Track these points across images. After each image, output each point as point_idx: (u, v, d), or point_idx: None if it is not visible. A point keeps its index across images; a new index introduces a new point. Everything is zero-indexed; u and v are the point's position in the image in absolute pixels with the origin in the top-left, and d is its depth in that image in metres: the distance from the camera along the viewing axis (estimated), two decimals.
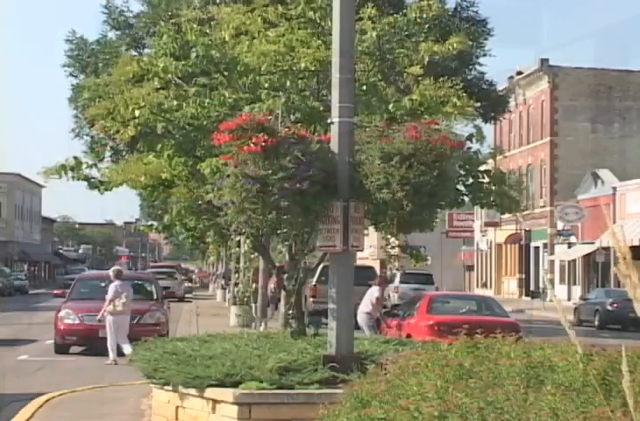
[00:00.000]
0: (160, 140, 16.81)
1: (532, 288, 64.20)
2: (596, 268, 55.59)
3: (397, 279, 44.04)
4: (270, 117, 11.59)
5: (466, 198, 20.67)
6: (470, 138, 19.29)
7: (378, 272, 42.13)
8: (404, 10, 18.21)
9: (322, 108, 15.25)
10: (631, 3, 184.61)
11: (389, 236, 17.56)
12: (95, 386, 16.29)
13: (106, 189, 19.61)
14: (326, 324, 11.74)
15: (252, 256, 30.48)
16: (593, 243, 53.74)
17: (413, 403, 5.74)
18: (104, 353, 21.37)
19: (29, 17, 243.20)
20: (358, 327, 18.21)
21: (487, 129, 48.81)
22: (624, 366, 3.50)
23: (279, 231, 12.43)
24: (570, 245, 57.85)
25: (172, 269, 66.63)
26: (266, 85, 15.98)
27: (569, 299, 56.26)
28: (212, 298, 59.83)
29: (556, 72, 61.47)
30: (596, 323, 38.06)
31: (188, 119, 15.97)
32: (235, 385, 10.59)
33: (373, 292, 22.21)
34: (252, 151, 10.80)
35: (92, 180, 19.57)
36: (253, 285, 32.73)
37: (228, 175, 11.14)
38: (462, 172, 18.02)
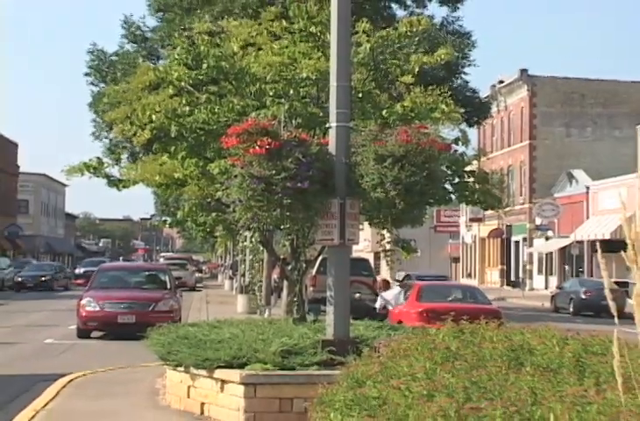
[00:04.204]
0: (173, 143, 16.82)
1: (512, 278, 64.30)
2: (571, 260, 55.65)
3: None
4: (274, 122, 11.59)
5: (453, 196, 20.68)
6: (456, 141, 19.28)
7: (372, 264, 42.10)
8: (396, 25, 18.20)
9: (321, 114, 15.24)
10: (606, 18, 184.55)
11: (384, 231, 17.54)
12: (114, 367, 16.31)
13: (124, 187, 19.60)
14: (324, 311, 11.75)
15: (261, 249, 30.44)
16: (568, 237, 53.85)
17: (404, 383, 5.75)
18: (123, 337, 21.40)
19: (57, 30, 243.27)
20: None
21: (472, 133, 48.86)
22: (615, 347, 3.50)
23: (282, 227, 12.46)
24: (547, 238, 57.93)
25: (184, 261, 66.75)
26: (271, 93, 15.99)
27: (546, 288, 56.33)
28: (221, 287, 59.81)
29: (534, 81, 61.59)
30: (571, 310, 38.12)
31: (200, 124, 15.97)
32: (241, 367, 10.61)
33: (400, 296, 22.62)
34: (257, 153, 10.81)
35: (111, 178, 19.57)
36: (257, 275, 32.74)
37: (235, 176, 11.15)
38: (449, 172, 18.02)
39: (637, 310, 3.38)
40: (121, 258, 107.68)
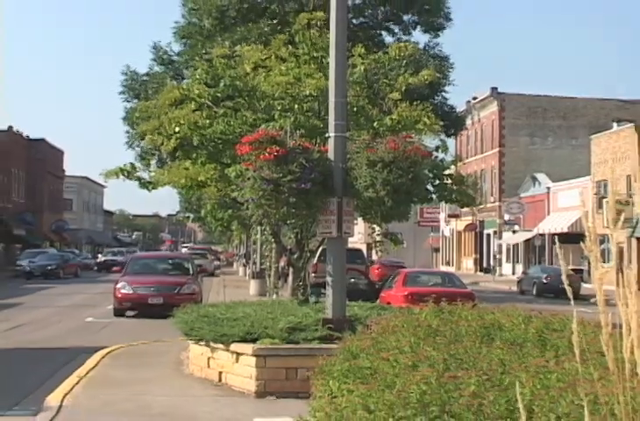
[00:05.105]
0: (195, 151, 16.77)
1: (485, 265, 64.28)
2: (534, 250, 55.66)
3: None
4: (281, 133, 11.58)
5: (434, 195, 20.66)
6: (437, 149, 19.27)
7: (365, 253, 42.13)
8: (386, 49, 18.16)
9: (321, 125, 15.19)
10: (566, 42, 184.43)
11: (374, 225, 17.56)
12: (145, 341, 16.31)
13: (153, 188, 19.54)
14: (325, 293, 11.74)
15: (270, 241, 30.36)
16: (531, 230, 53.84)
17: (392, 355, 5.74)
18: (152, 316, 21.39)
19: (98, 53, 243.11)
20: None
21: (450, 142, 48.71)
22: (574, 323, 3.50)
23: (288, 222, 12.45)
24: (514, 232, 57.91)
25: (204, 251, 66.87)
26: (279, 108, 15.94)
27: (513, 273, 56.30)
28: (236, 274, 59.79)
29: (503, 97, 61.59)
30: (534, 292, 38.08)
31: (218, 134, 15.93)
32: (253, 341, 10.61)
33: None
34: (266, 159, 10.80)
35: (142, 181, 19.50)
36: (267, 263, 32.66)
37: (248, 178, 11.14)
38: (431, 175, 18.02)
39: (599, 291, 3.38)
40: (165, 249, 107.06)
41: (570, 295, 3.72)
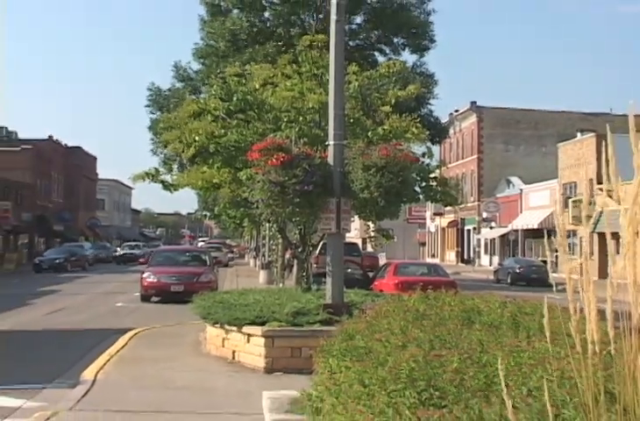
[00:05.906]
0: (211, 157, 16.76)
1: (465, 257, 64.25)
2: (509, 244, 55.63)
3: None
4: (287, 141, 11.57)
5: (421, 196, 20.59)
6: (423, 155, 19.25)
7: (360, 247, 42.10)
8: (377, 67, 18.13)
9: (322, 135, 15.17)
10: (540, 59, 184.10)
11: (369, 222, 17.57)
12: (168, 324, 16.31)
13: (175, 190, 19.53)
14: (325, 282, 11.74)
15: (277, 236, 30.32)
16: (506, 227, 53.83)
17: (384, 337, 5.73)
18: (174, 302, 21.38)
19: (127, 73, 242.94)
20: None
21: (435, 149, 48.59)
22: (545, 309, 3.50)
23: (293, 219, 12.43)
24: (491, 228, 57.88)
25: (219, 245, 66.93)
26: (285, 119, 15.93)
27: (490, 265, 56.26)
28: (247, 265, 59.75)
29: (481, 110, 61.61)
30: (508, 281, 38.01)
31: (232, 143, 15.92)
32: (263, 324, 10.61)
33: None
34: (274, 164, 10.79)
35: (165, 183, 19.48)
36: (274, 256, 32.62)
37: (258, 181, 11.14)
38: (418, 178, 17.96)
39: (568, 280, 3.37)
40: (185, 243, 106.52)
41: (553, 283, 3.71)
